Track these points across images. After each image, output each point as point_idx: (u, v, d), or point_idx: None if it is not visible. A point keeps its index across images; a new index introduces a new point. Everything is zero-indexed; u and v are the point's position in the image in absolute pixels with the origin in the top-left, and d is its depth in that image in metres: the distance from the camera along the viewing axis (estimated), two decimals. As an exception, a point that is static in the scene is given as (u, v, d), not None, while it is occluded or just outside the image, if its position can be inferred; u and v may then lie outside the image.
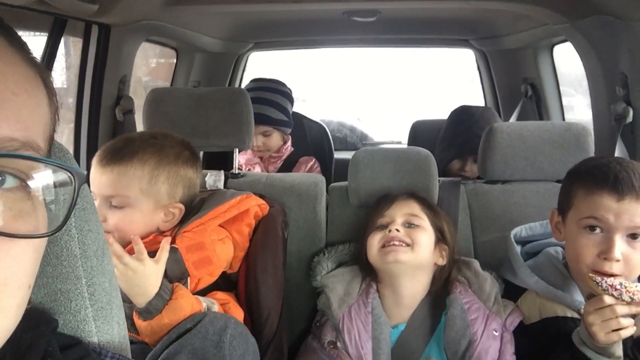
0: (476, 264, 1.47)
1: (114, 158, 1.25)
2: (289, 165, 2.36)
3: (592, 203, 1.21)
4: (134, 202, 1.24)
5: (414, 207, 1.46)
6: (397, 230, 1.40)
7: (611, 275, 1.17)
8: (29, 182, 0.46)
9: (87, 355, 0.59)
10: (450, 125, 2.33)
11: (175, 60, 3.01)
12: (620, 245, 1.18)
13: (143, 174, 1.25)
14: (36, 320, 0.56)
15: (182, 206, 1.31)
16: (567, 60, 2.76)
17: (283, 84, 2.42)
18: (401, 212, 1.44)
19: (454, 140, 2.24)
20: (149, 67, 3.52)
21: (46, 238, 0.49)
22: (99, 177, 1.24)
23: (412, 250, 1.37)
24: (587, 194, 1.23)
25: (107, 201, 1.23)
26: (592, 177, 1.24)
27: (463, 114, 2.30)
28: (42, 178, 0.47)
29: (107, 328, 0.63)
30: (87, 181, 0.52)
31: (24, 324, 0.49)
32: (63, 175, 0.49)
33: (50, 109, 0.51)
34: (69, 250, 0.60)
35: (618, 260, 1.17)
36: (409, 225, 1.42)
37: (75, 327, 0.60)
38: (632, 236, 1.19)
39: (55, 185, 0.49)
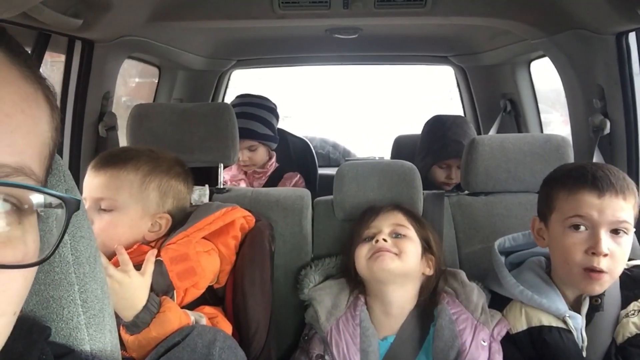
0: (462, 274, 1.47)
1: (109, 162, 1.27)
2: (274, 181, 2.36)
3: (575, 202, 1.25)
4: (123, 207, 1.24)
5: (400, 218, 1.47)
6: (385, 240, 1.40)
7: (600, 271, 1.21)
8: (21, 207, 0.45)
9: (80, 364, 0.58)
10: (425, 135, 2.39)
11: (156, 79, 3.01)
12: (606, 240, 1.21)
13: (135, 178, 1.26)
14: (28, 328, 0.55)
15: (169, 217, 1.31)
16: (544, 78, 2.83)
17: (268, 100, 2.44)
18: (387, 223, 1.45)
19: (430, 148, 2.30)
20: (129, 86, 3.51)
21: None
22: (92, 180, 1.26)
23: (400, 259, 1.38)
24: (568, 194, 1.27)
25: (96, 204, 1.24)
26: (571, 178, 1.28)
27: (436, 122, 2.38)
28: (35, 203, 0.46)
29: (99, 336, 0.62)
30: (79, 208, 0.51)
31: (15, 332, 0.48)
32: (56, 201, 0.48)
33: (51, 126, 0.50)
34: (61, 257, 0.59)
35: (606, 255, 1.21)
36: (396, 235, 1.43)
37: (67, 335, 0.59)
38: (615, 232, 1.23)
39: (48, 207, 0.48)
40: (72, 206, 0.49)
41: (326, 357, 1.37)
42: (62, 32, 1.78)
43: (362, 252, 1.42)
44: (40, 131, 0.48)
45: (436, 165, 2.27)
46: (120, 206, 1.24)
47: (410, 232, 1.45)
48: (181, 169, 1.37)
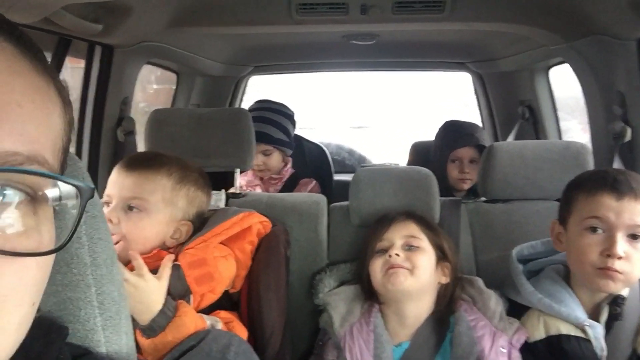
0: (479, 281, 1.46)
1: (143, 164, 1.29)
2: (289, 186, 2.36)
3: (593, 204, 1.25)
4: (153, 209, 1.26)
5: (412, 228, 1.45)
6: (397, 254, 1.39)
7: (615, 271, 1.20)
8: (35, 197, 0.45)
9: (97, 365, 0.58)
10: (438, 136, 2.42)
11: (174, 86, 3.04)
12: (622, 244, 1.20)
13: (168, 183, 1.28)
14: (47, 328, 0.55)
15: (190, 225, 1.32)
16: (563, 84, 2.80)
17: (286, 106, 2.44)
18: (400, 235, 1.43)
19: (443, 143, 2.32)
20: (147, 93, 3.55)
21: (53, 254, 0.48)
22: (123, 180, 1.27)
23: (413, 275, 1.36)
24: (587, 196, 1.27)
25: (125, 203, 1.25)
26: (591, 181, 1.28)
27: (448, 124, 2.42)
28: (49, 192, 0.46)
29: (115, 338, 0.62)
30: (93, 196, 0.51)
31: (34, 331, 0.48)
32: (71, 189, 0.47)
33: (63, 120, 0.50)
34: (79, 258, 0.60)
35: (620, 258, 1.20)
36: (409, 247, 1.41)
37: (84, 337, 0.60)
38: (633, 236, 1.22)
39: (62, 200, 0.47)
40: (87, 194, 0.48)
41: (340, 362, 1.37)
42: (83, 37, 1.80)
43: (377, 267, 1.41)
44: (52, 123, 0.48)
45: (449, 161, 2.27)
46: (150, 208, 1.26)
47: (424, 242, 1.43)
48: (204, 181, 1.40)
